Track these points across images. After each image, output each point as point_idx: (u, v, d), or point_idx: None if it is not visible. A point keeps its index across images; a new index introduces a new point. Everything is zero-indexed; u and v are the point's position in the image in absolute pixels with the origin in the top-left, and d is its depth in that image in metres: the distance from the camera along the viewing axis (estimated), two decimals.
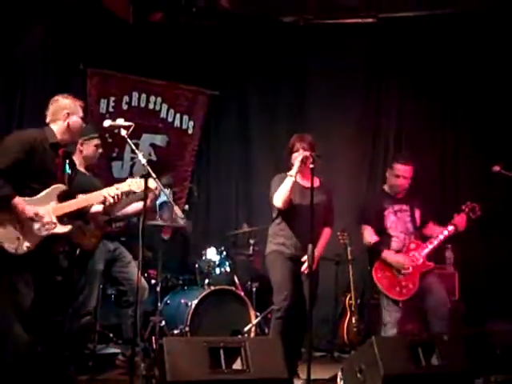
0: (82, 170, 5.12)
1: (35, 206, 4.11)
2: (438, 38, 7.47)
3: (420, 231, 5.46)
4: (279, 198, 5.08)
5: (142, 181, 4.37)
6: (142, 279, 5.20)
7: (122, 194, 4.45)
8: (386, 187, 5.53)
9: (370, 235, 5.39)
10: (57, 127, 4.29)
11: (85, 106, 4.49)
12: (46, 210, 4.15)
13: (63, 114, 4.29)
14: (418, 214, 5.40)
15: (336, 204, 5.49)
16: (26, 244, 4.04)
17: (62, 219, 4.22)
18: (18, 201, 4.03)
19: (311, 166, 4.72)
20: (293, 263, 5.13)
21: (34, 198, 4.12)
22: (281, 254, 5.17)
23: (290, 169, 5.12)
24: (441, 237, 5.27)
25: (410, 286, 5.19)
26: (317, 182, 5.23)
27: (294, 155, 5.13)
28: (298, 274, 5.11)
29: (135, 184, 4.45)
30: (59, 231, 4.18)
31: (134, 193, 4.53)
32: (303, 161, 4.99)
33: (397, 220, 5.35)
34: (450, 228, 5.26)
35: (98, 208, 4.52)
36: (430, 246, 5.27)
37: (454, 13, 7.12)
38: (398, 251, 5.30)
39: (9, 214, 4.02)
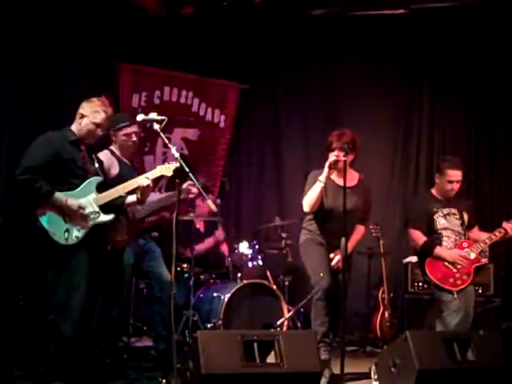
0: (126, 160, 5.18)
1: (77, 199, 4.31)
2: (472, 29, 7.37)
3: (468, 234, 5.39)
4: (307, 203, 5.04)
5: (172, 164, 4.54)
6: (168, 274, 5.22)
7: (152, 181, 4.58)
8: (433, 191, 5.42)
9: (418, 238, 5.29)
10: (73, 126, 4.48)
11: (113, 109, 4.55)
12: (87, 201, 4.35)
13: (79, 113, 4.46)
14: (466, 217, 5.34)
15: None
16: (76, 234, 4.25)
17: (103, 209, 4.38)
18: (59, 196, 4.25)
19: (344, 158, 4.66)
20: (325, 249, 5.12)
21: (74, 191, 4.33)
22: (313, 240, 5.18)
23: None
24: (493, 237, 5.24)
25: (464, 277, 5.14)
26: (355, 180, 5.16)
27: (330, 155, 5.00)
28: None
29: (165, 169, 4.60)
30: (104, 219, 4.38)
31: (163, 177, 4.67)
32: (330, 166, 4.90)
33: (447, 223, 5.28)
34: (502, 231, 5.22)
35: (132, 198, 4.62)
36: (483, 245, 5.25)
37: (487, 2, 7.00)
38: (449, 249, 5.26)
39: (57, 208, 4.24)
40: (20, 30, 6.22)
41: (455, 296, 5.09)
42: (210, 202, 4.54)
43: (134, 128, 5.18)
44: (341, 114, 7.75)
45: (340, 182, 4.92)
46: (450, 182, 5.28)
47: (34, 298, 5.37)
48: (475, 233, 5.41)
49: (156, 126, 4.41)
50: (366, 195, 5.23)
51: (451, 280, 5.15)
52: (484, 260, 5.33)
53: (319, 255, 5.12)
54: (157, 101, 7.36)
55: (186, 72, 7.49)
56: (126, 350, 5.61)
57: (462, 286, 5.13)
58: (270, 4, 7.26)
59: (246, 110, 7.89)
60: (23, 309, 5.42)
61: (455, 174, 5.28)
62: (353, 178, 5.13)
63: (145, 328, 5.97)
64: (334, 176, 5.04)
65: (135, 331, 5.92)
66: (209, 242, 6.63)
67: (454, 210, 5.32)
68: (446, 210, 5.31)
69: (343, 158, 4.66)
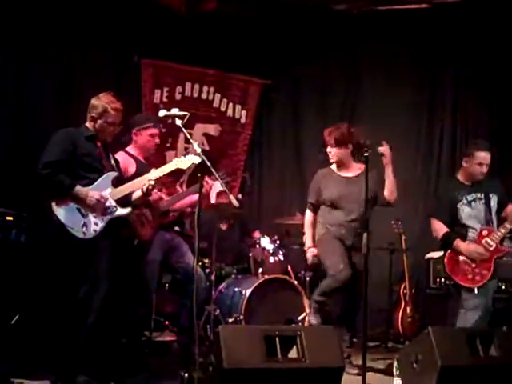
0: (141, 159, 5.21)
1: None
2: (496, 23, 7.28)
3: (498, 215, 5.27)
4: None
5: (189, 158, 4.50)
6: (198, 268, 5.23)
7: (167, 174, 4.59)
8: (459, 176, 5.34)
9: (439, 228, 5.23)
10: (88, 125, 4.51)
11: (122, 107, 4.54)
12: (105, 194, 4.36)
13: (89, 116, 4.49)
14: (494, 199, 5.23)
15: None
16: (94, 227, 4.26)
17: (120, 203, 4.40)
18: (80, 189, 4.27)
19: (366, 154, 4.60)
20: (342, 243, 5.18)
21: (91, 186, 4.33)
22: (329, 234, 5.25)
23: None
24: None
25: (483, 272, 5.05)
26: (357, 171, 5.30)
27: (328, 150, 5.34)
28: (349, 256, 5.15)
29: (181, 162, 4.56)
30: (121, 213, 4.40)
31: (183, 170, 4.64)
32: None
33: (471, 211, 5.19)
34: None
35: (138, 193, 4.61)
36: (503, 231, 5.13)
37: None
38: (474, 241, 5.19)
39: (75, 202, 4.26)
40: (42, 28, 6.26)
41: (476, 292, 5.02)
42: (232, 197, 4.55)
43: (158, 129, 5.25)
44: (362, 110, 7.71)
45: (347, 174, 5.34)
46: (480, 164, 5.19)
47: (56, 292, 5.40)
48: (509, 211, 5.27)
49: (178, 122, 4.44)
50: (372, 178, 5.18)
51: (470, 276, 5.06)
52: (507, 249, 5.18)
53: (334, 249, 5.18)
54: (178, 96, 7.39)
55: (207, 68, 7.51)
56: (148, 344, 5.64)
57: (482, 282, 5.04)
58: None
59: (268, 106, 7.89)
60: (45, 303, 5.46)
61: (483, 156, 5.19)
62: (355, 169, 5.33)
63: (166, 323, 6.00)
64: (336, 169, 5.34)
65: (157, 326, 5.95)
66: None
67: (479, 195, 5.21)
68: (471, 196, 5.21)
69: (366, 154, 4.58)
